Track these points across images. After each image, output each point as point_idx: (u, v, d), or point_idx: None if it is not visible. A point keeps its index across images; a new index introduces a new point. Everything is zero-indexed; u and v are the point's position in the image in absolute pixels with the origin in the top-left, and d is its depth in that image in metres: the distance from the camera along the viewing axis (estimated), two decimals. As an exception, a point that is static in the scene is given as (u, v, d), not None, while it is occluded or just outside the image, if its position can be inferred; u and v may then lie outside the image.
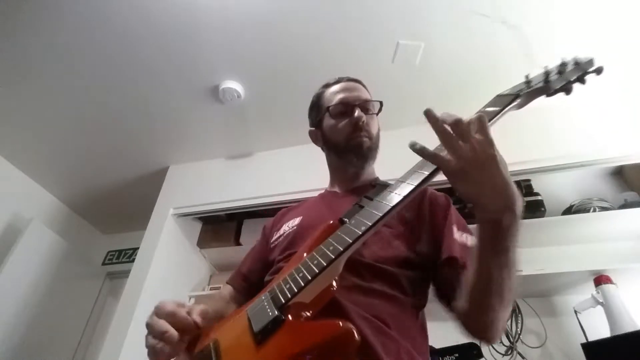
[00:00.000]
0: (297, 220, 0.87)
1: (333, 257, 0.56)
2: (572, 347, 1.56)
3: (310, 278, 0.55)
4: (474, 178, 0.50)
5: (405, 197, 0.56)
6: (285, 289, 0.57)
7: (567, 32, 1.65)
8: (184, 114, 2.15)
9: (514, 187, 0.51)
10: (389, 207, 0.56)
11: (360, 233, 0.56)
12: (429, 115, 0.53)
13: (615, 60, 1.71)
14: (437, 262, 0.73)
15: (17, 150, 2.42)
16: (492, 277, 0.56)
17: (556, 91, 0.63)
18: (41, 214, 2.62)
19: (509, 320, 1.65)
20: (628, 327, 1.38)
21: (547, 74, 0.64)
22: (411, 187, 0.56)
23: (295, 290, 0.55)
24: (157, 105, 2.11)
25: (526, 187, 1.90)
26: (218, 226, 2.41)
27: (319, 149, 1.02)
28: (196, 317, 0.61)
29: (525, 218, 0.56)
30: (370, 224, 0.56)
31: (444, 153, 0.53)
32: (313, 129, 1.01)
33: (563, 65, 0.64)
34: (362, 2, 1.62)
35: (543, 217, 1.78)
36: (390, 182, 0.92)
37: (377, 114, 0.94)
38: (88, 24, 1.69)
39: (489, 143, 0.50)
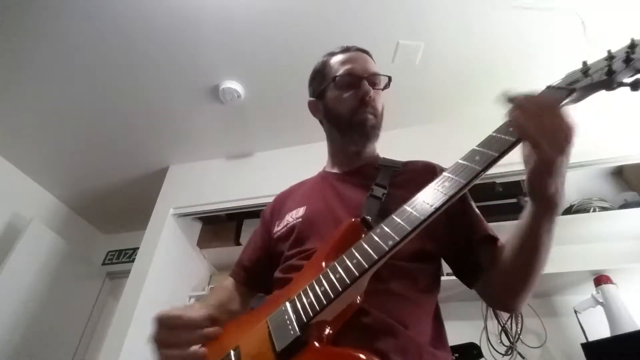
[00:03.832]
0: (300, 211, 0.81)
1: (357, 274, 0.51)
2: (572, 347, 1.56)
3: (332, 297, 0.52)
4: (559, 162, 0.50)
5: (443, 204, 0.50)
6: (307, 304, 0.54)
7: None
8: (184, 113, 2.16)
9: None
10: (420, 220, 0.50)
11: (387, 249, 0.50)
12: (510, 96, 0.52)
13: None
14: (464, 243, 0.71)
15: (17, 150, 2.42)
16: (537, 251, 0.58)
17: (620, 85, 0.50)
18: (41, 214, 2.62)
19: (509, 320, 1.65)
20: (628, 327, 1.37)
21: (610, 60, 0.50)
22: (446, 198, 0.50)
23: (318, 308, 0.53)
24: (157, 105, 2.11)
25: (527, 187, 1.90)
26: (218, 226, 2.41)
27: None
28: (203, 311, 0.64)
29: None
30: (398, 239, 0.50)
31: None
32: (313, 99, 0.94)
33: (632, 47, 0.49)
34: (362, 2, 1.62)
35: (543, 217, 1.78)
36: (391, 160, 0.88)
37: (383, 89, 0.88)
38: (88, 25, 1.69)
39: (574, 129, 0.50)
